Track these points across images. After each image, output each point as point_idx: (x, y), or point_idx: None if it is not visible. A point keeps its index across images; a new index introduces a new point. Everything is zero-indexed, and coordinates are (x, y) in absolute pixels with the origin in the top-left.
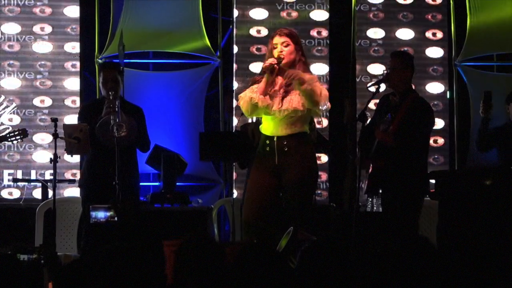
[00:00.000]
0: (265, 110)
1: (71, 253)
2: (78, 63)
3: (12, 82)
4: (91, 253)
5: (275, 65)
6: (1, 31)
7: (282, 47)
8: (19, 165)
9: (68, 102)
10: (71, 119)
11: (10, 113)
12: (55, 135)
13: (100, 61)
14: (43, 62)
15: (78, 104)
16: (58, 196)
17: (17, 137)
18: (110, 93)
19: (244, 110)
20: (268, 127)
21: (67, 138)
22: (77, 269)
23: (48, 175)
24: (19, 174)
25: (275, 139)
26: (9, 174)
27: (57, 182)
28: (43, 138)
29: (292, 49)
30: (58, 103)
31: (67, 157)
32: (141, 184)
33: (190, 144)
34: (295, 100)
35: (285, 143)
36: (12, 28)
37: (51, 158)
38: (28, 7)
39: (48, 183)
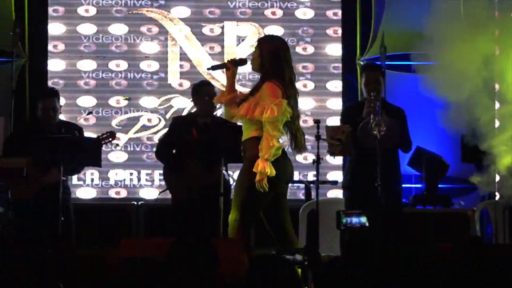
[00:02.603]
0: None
1: (334, 254)
2: (340, 65)
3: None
4: (351, 254)
5: (228, 64)
6: (264, 34)
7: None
8: None
9: (330, 104)
10: (334, 121)
11: None
12: (318, 137)
13: (361, 63)
14: (305, 64)
15: (340, 106)
16: (321, 197)
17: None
18: (371, 94)
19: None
20: None
21: (329, 140)
22: (336, 269)
23: (311, 176)
24: None
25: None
26: None
27: (320, 183)
28: (306, 139)
29: (256, 55)
30: (320, 104)
31: (329, 159)
32: (403, 186)
33: (452, 146)
34: (245, 107)
35: (243, 147)
36: (275, 31)
37: (314, 160)
38: (291, 10)
39: (311, 184)
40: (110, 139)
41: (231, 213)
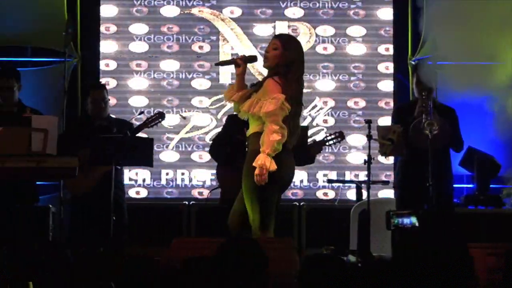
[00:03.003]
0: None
1: (385, 254)
2: (391, 65)
3: (327, 84)
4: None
5: (238, 60)
6: (316, 34)
7: (270, 48)
8: (334, 166)
9: (381, 103)
10: (385, 120)
11: (325, 115)
12: (369, 137)
13: (412, 63)
14: (357, 64)
15: (391, 106)
16: (372, 197)
17: (335, 140)
18: (423, 93)
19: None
20: None
21: (381, 140)
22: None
23: (362, 176)
24: (333, 175)
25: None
26: (324, 175)
27: (371, 183)
28: (357, 139)
29: (277, 53)
30: (371, 104)
31: (381, 158)
32: (454, 186)
33: (504, 145)
34: (248, 103)
35: (247, 142)
36: (327, 31)
37: (365, 159)
38: (342, 10)
39: (362, 184)
40: (160, 120)
41: (249, 215)
